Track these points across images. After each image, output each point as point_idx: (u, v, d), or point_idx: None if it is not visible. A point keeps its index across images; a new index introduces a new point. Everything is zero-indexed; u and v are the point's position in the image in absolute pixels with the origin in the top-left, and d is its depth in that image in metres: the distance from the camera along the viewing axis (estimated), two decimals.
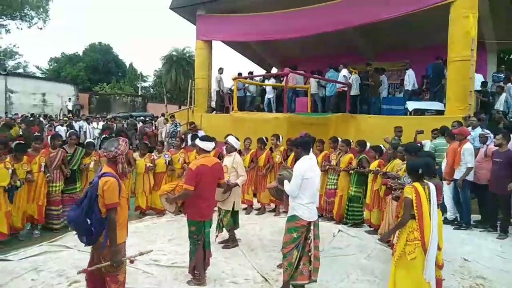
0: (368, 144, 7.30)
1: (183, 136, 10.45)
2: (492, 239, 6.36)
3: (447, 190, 7.02)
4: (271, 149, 8.31)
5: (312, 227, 4.29)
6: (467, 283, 4.69)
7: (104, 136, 9.74)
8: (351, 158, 7.25)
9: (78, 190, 6.88)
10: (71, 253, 5.49)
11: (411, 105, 10.59)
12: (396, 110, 11.42)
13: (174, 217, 6.83)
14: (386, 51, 14.71)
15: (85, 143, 7.74)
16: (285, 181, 4.41)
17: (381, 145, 7.18)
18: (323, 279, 4.59)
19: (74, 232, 3.43)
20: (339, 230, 6.73)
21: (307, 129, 8.45)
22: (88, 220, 3.20)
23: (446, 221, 6.74)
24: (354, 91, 11.69)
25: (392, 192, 4.99)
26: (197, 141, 4.77)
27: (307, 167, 4.21)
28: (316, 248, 4.35)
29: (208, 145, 4.69)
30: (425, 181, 3.93)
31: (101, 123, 18.33)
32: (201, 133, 10.61)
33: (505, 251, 5.78)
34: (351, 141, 7.66)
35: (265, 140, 8.14)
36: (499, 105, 9.92)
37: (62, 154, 6.68)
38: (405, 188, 3.96)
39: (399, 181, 5.30)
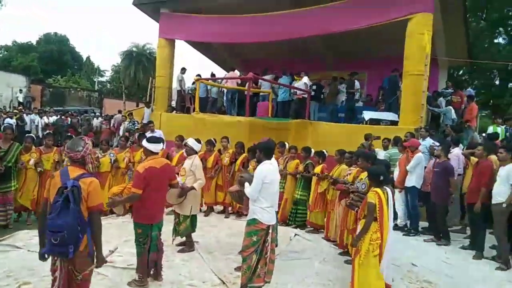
0: (312, 150, 7.69)
1: (127, 134, 10.29)
2: (438, 245, 6.74)
3: (399, 197, 7.39)
4: (219, 151, 8.43)
5: (270, 231, 4.34)
6: (414, 287, 4.94)
7: (47, 132, 9.16)
8: (297, 164, 7.68)
9: (12, 189, 6.58)
10: (20, 254, 5.29)
11: (367, 114, 10.99)
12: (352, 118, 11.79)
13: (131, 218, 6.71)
14: (345, 60, 15.16)
15: (25, 136, 7.30)
16: (246, 184, 4.45)
17: (324, 151, 7.55)
18: (279, 282, 4.68)
19: (45, 248, 3.08)
20: (295, 234, 6.88)
21: (268, 133, 8.57)
22: (78, 226, 3.02)
23: (396, 227, 7.09)
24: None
25: (350, 201, 5.14)
26: (144, 143, 4.64)
27: (268, 172, 4.26)
28: (272, 251, 4.42)
29: (156, 147, 4.59)
30: (384, 186, 4.29)
31: (53, 117, 17.63)
32: (158, 133, 10.45)
33: (449, 257, 6.15)
34: (286, 143, 8.20)
35: (214, 141, 8.25)
36: (446, 118, 10.63)
37: None
38: (368, 194, 4.28)
39: (351, 185, 5.66)
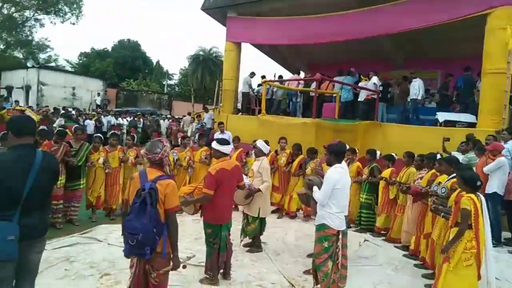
0: (379, 153, 7.49)
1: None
2: None
3: None
4: (276, 151, 8.42)
5: (340, 236, 4.23)
6: None
7: (112, 132, 9.56)
8: (358, 167, 7.48)
9: (81, 186, 6.93)
10: (101, 246, 5.65)
11: (441, 116, 10.40)
12: (425, 120, 11.25)
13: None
14: (415, 59, 14.50)
15: (93, 136, 7.76)
16: (315, 188, 4.37)
17: (393, 154, 7.32)
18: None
19: (126, 246, 3.14)
20: (365, 240, 6.70)
21: (335, 135, 8.44)
22: (154, 229, 3.03)
23: None
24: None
25: (435, 206, 4.83)
26: (214, 144, 4.71)
27: (339, 177, 4.15)
28: (344, 257, 4.30)
29: (227, 148, 4.68)
30: (478, 193, 4.08)
31: (128, 119, 18.72)
32: (227, 135, 10.69)
33: None
34: (356, 149, 7.83)
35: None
36: None
37: (65, 148, 6.54)
38: (463, 200, 4.03)
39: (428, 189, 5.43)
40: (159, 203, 3.09)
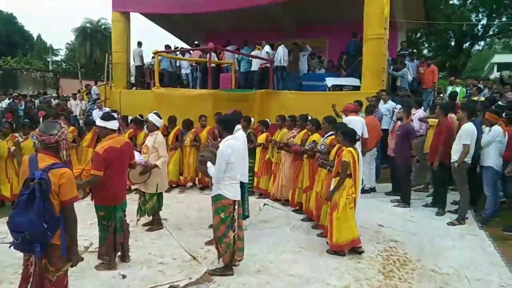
0: (252, 120, 7.81)
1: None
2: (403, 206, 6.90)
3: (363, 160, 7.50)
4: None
5: (236, 207, 4.22)
6: (382, 247, 5.08)
7: (5, 120, 8.34)
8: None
9: None
10: None
11: (330, 81, 11.00)
12: (316, 86, 11.80)
13: None
14: (306, 27, 15.02)
15: None
16: (209, 163, 4.30)
17: (267, 119, 7.87)
18: (251, 253, 4.68)
19: (13, 243, 2.78)
20: (264, 204, 6.92)
21: (233, 105, 8.45)
22: (45, 224, 2.69)
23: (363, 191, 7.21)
24: (284, 63, 11.81)
25: (322, 161, 5.45)
26: (99, 121, 4.37)
27: (231, 151, 4.08)
28: (240, 228, 4.31)
29: (113, 124, 4.35)
30: (355, 146, 4.78)
31: (6, 101, 16.69)
32: (106, 111, 10.10)
33: (414, 215, 6.35)
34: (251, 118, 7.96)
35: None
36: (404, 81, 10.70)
37: None
38: (343, 153, 4.67)
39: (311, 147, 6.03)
40: (52, 194, 2.74)
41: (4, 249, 4.78)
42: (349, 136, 4.80)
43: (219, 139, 7.52)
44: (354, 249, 4.76)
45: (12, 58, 34.72)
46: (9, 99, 16.98)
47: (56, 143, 2.92)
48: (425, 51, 27.50)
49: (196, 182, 8.44)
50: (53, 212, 2.77)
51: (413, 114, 7.71)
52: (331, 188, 4.80)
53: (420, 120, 7.71)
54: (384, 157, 8.20)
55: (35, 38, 44.13)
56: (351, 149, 4.69)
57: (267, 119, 7.86)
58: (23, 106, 16.27)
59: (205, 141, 7.98)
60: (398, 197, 7.09)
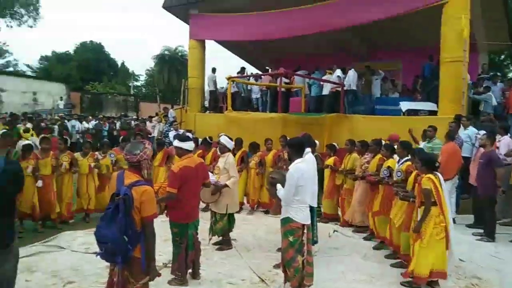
0: (318, 143, 7.59)
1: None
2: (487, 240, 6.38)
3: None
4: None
5: (305, 231, 4.13)
6: (463, 283, 4.72)
7: (86, 140, 8.95)
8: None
9: None
10: (64, 254, 5.46)
11: (404, 105, 10.64)
12: (389, 110, 11.47)
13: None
14: (378, 51, 14.79)
15: (22, 145, 6.82)
16: (278, 186, 4.27)
17: (335, 144, 7.79)
18: (319, 279, 4.57)
19: (96, 252, 3.03)
20: (334, 231, 6.75)
21: (303, 129, 8.46)
22: (126, 237, 2.86)
23: None
24: (354, 87, 11.71)
25: (404, 194, 5.11)
26: (176, 142, 4.60)
27: (300, 174, 4.02)
28: (309, 253, 4.19)
29: (189, 145, 4.56)
30: (435, 172, 4.53)
31: (92, 122, 18.19)
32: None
33: (499, 251, 5.84)
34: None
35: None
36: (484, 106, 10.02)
37: None
38: (422, 181, 4.44)
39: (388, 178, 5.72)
40: (135, 210, 2.93)
41: (87, 259, 5.17)
42: (428, 163, 4.60)
43: (279, 164, 7.65)
44: (431, 283, 4.47)
45: (99, 83, 37.92)
46: (95, 120, 18.52)
47: (139, 162, 3.11)
48: (510, 74, 25.65)
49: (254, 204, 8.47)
50: (135, 227, 2.94)
51: (499, 140, 7.19)
52: (417, 218, 4.51)
53: (507, 155, 7.14)
54: (465, 186, 7.67)
55: (119, 65, 47.86)
56: (430, 175, 4.45)
57: (334, 144, 7.80)
58: (107, 127, 17.65)
59: (270, 164, 8.12)
60: (481, 230, 6.58)
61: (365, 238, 6.33)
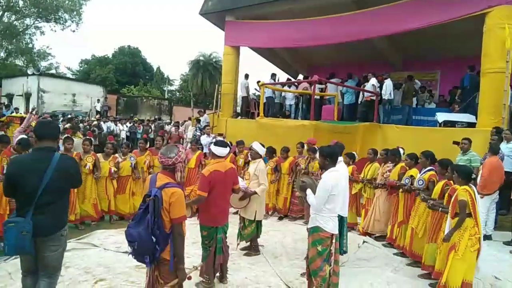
0: (356, 155, 7.65)
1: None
2: None
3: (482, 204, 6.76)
4: (234, 153, 8.60)
5: (334, 240, 4.06)
6: None
7: (109, 142, 8.96)
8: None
9: None
10: (97, 252, 5.60)
11: (441, 116, 10.32)
12: (425, 121, 11.18)
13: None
14: (414, 60, 14.47)
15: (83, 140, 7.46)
16: (308, 191, 4.18)
17: (354, 153, 7.54)
18: None
19: (127, 251, 3.10)
20: (364, 241, 6.61)
21: (334, 137, 8.37)
22: (154, 238, 2.91)
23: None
24: (387, 96, 11.51)
25: (432, 203, 5.08)
26: (211, 147, 4.69)
27: (334, 182, 3.96)
28: (336, 263, 4.12)
29: (222, 151, 4.60)
30: (470, 184, 4.51)
31: (127, 124, 18.69)
32: (212, 137, 10.67)
33: None
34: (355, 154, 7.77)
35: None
36: None
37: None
38: (459, 192, 4.40)
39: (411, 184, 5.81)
40: (164, 211, 2.97)
41: (117, 258, 5.28)
42: (465, 174, 4.52)
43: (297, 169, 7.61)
44: None
45: (134, 87, 38.94)
46: (129, 123, 19.02)
47: (173, 165, 3.17)
48: None
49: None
50: (163, 228, 2.97)
51: None
52: (450, 228, 4.47)
53: None
54: (504, 202, 7.34)
55: (155, 69, 49.02)
56: (466, 187, 4.41)
57: (353, 152, 7.58)
58: (141, 130, 18.10)
59: (286, 171, 8.09)
60: None
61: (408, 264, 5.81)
